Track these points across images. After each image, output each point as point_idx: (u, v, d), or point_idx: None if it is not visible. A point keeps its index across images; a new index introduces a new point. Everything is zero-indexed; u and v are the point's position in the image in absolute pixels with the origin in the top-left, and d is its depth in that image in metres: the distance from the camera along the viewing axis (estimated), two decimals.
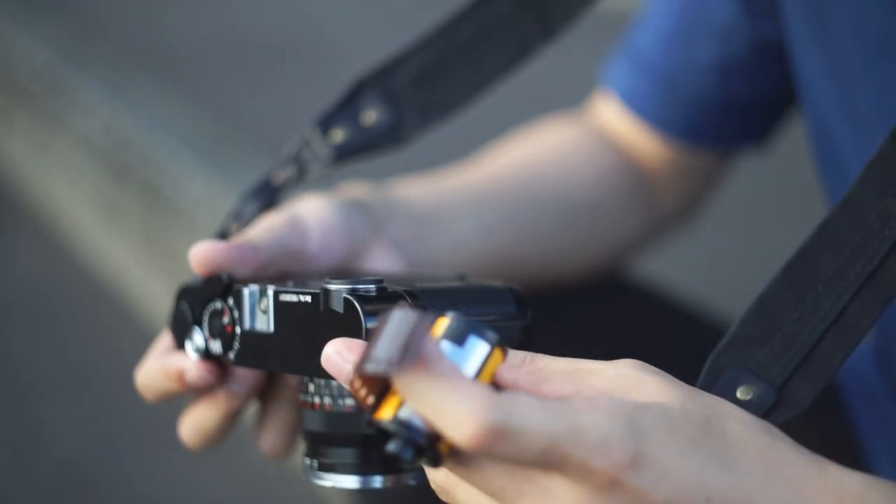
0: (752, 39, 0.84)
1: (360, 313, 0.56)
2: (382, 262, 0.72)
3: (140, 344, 1.94)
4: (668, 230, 0.96)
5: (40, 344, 1.89)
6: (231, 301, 0.63)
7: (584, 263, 0.89)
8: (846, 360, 0.57)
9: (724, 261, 1.78)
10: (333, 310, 0.57)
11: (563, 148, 0.91)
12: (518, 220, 0.84)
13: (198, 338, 0.65)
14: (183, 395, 0.67)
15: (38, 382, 1.80)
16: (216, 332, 0.64)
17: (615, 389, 0.52)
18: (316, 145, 0.73)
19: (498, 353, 0.50)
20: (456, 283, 0.62)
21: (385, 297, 0.57)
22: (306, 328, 0.59)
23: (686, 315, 0.93)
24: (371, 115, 0.74)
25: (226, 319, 0.64)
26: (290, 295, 0.60)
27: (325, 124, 0.73)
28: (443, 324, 0.49)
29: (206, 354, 0.65)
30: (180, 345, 0.66)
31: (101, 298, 1.99)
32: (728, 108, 0.88)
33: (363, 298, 0.56)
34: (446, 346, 0.49)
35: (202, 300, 0.65)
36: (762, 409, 0.56)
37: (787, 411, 0.56)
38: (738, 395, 0.56)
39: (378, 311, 0.56)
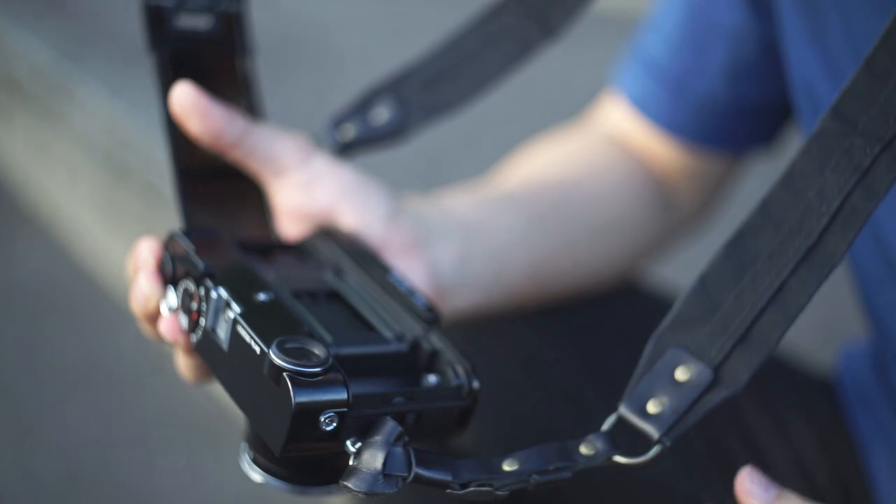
0: (761, 41, 0.84)
1: (292, 395, 0.54)
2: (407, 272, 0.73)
3: (140, 344, 1.93)
4: (684, 232, 0.97)
5: (40, 344, 1.89)
6: (202, 292, 0.62)
7: (608, 273, 0.90)
8: (784, 336, 0.58)
9: None
10: (272, 378, 0.56)
11: (586, 163, 0.91)
12: (552, 241, 0.85)
13: (171, 299, 0.64)
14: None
15: (38, 382, 1.80)
16: (186, 308, 0.63)
17: None
18: (326, 138, 0.76)
19: None
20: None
21: (328, 379, 0.55)
22: (251, 374, 0.57)
23: None
24: (382, 115, 0.77)
25: (194, 305, 0.62)
26: (245, 333, 0.58)
27: (338, 122, 0.77)
28: None
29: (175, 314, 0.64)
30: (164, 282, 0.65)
31: (101, 298, 1.99)
32: (739, 110, 0.89)
33: (300, 383, 0.55)
34: None
35: (181, 269, 0.64)
36: (699, 390, 0.57)
37: (724, 391, 0.57)
38: (677, 376, 0.58)
39: (315, 388, 0.55)
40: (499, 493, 0.56)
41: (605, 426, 0.59)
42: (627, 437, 0.58)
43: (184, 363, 0.67)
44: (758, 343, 0.58)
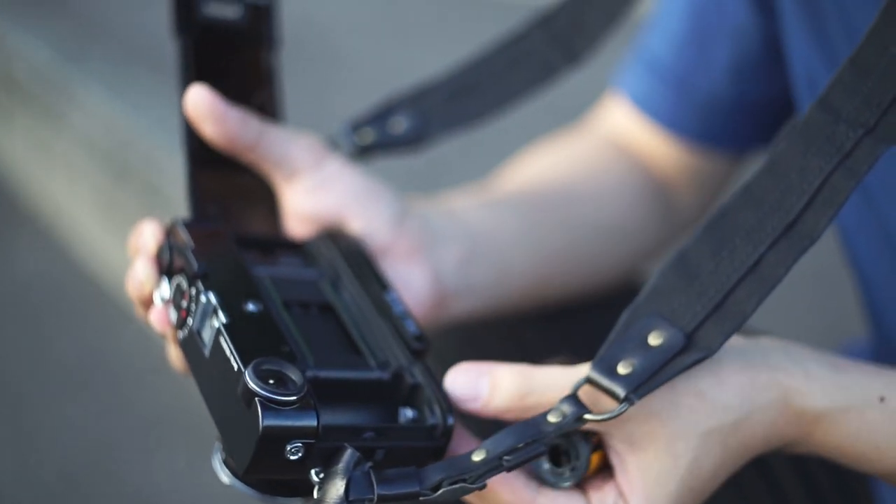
0: (764, 38, 0.84)
1: (260, 422, 0.54)
2: (405, 274, 0.73)
3: (140, 344, 1.93)
4: (685, 233, 0.97)
5: (40, 344, 1.89)
6: (193, 292, 0.61)
7: (609, 275, 0.91)
8: (759, 306, 0.59)
9: None
10: (244, 400, 0.56)
11: (586, 166, 0.92)
12: (553, 244, 0.85)
13: (165, 290, 0.64)
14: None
15: (38, 382, 1.80)
16: (176, 304, 0.62)
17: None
18: (343, 141, 0.77)
19: None
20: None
21: (299, 409, 0.55)
22: (226, 387, 0.57)
23: None
24: (401, 124, 0.78)
25: (184, 304, 0.62)
26: (226, 346, 0.58)
27: (356, 126, 0.78)
28: None
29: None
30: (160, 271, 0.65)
31: (102, 298, 1.99)
32: (741, 109, 0.89)
33: (271, 409, 0.55)
34: None
35: (178, 262, 0.63)
36: (670, 353, 0.58)
37: (696, 354, 0.58)
38: (650, 340, 0.58)
39: (284, 417, 0.55)
40: (473, 485, 0.56)
41: (572, 389, 0.59)
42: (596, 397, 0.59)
43: (174, 354, 0.67)
44: (733, 311, 0.58)
